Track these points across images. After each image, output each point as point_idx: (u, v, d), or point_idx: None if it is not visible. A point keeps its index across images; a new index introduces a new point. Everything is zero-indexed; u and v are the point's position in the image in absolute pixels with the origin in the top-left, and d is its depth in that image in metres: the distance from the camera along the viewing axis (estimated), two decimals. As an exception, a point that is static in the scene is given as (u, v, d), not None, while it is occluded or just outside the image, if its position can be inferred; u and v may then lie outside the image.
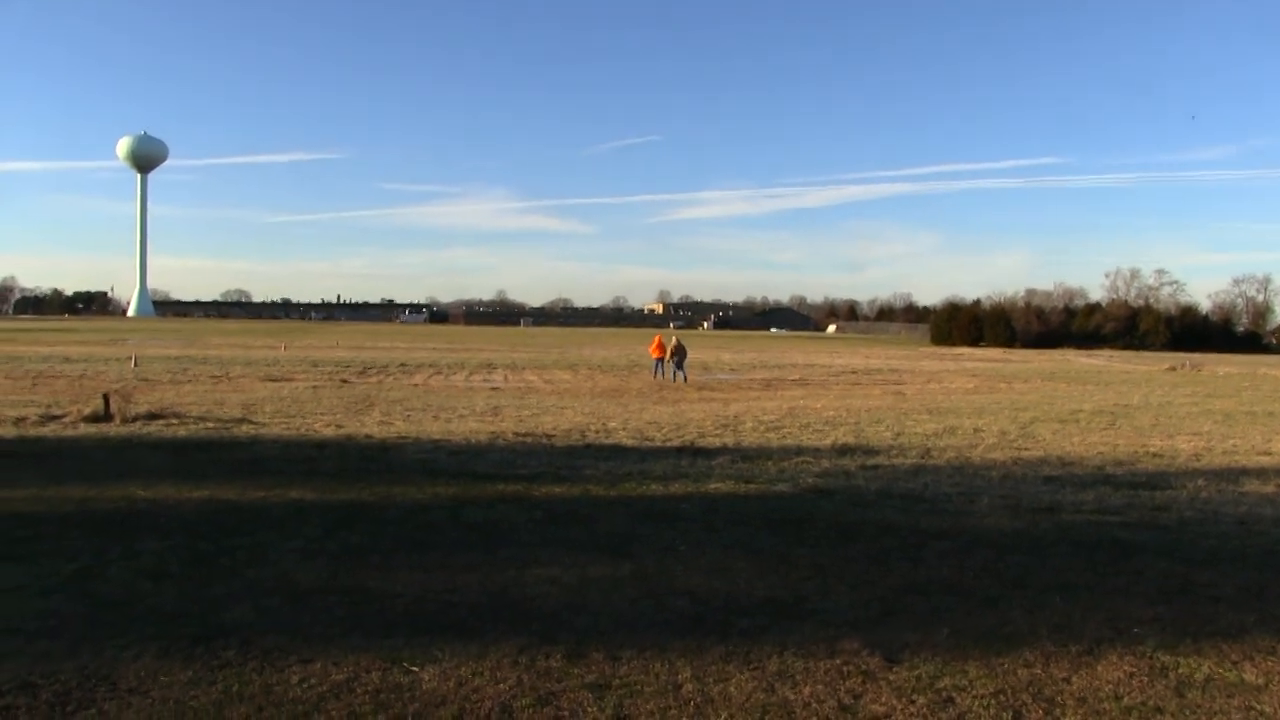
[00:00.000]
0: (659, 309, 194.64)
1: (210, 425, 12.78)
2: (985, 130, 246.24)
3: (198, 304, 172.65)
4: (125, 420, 12.71)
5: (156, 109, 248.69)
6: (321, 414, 14.78)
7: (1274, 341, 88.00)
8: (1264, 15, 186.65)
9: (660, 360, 26.81)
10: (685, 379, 25.54)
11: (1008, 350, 69.55)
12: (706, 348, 58.43)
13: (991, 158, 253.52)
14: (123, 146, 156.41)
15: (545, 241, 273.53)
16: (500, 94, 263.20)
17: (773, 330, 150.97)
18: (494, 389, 21.66)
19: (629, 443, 11.87)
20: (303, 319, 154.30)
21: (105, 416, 12.91)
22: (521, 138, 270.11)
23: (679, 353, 26.27)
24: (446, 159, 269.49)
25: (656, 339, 28.47)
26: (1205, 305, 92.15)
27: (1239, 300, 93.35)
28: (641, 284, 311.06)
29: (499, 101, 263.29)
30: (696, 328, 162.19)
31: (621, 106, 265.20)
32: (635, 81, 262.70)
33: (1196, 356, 58.92)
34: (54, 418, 13.05)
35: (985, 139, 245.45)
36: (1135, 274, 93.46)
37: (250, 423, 13.33)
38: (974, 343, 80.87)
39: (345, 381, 22.72)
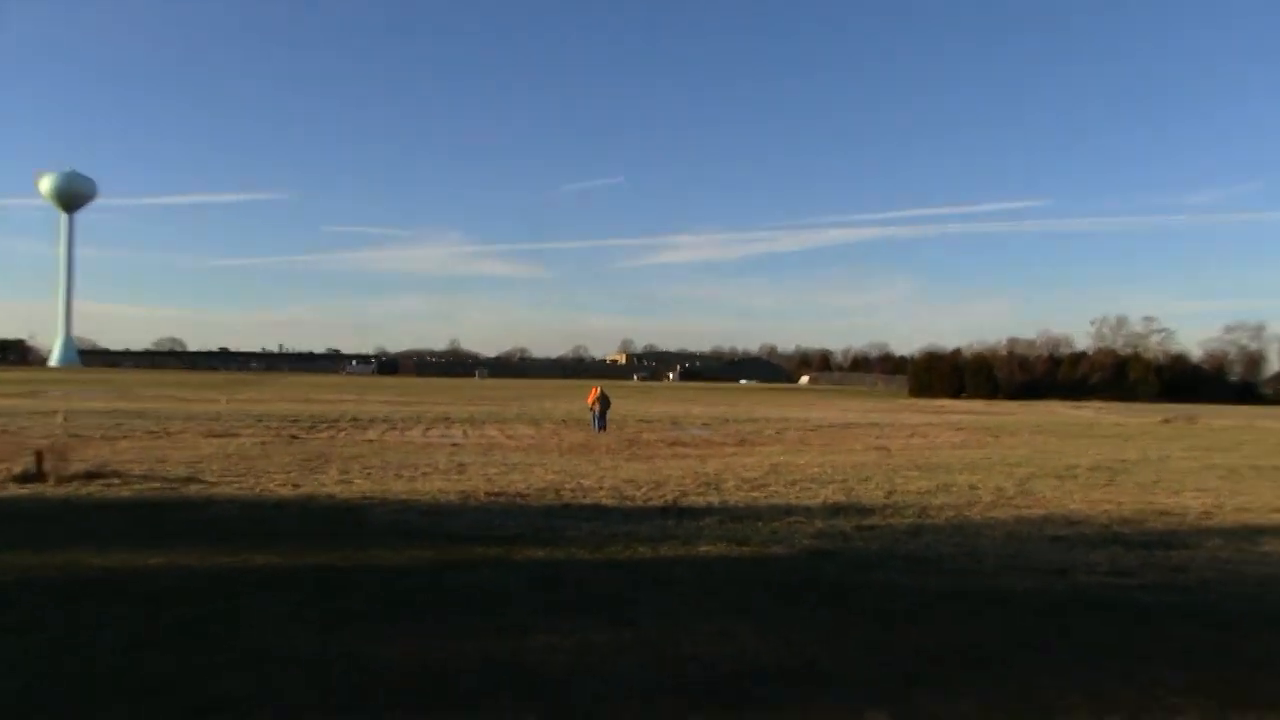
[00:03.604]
0: (621, 359, 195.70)
1: (156, 485, 12.56)
2: (964, 172, 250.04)
3: (128, 354, 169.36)
4: (61, 480, 12.39)
5: (83, 144, 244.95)
6: (274, 472, 14.62)
7: (1269, 391, 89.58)
8: (1257, 52, 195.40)
9: (593, 410, 28.43)
10: (603, 428, 27.10)
11: (990, 402, 70.91)
12: (674, 400, 58.77)
13: (971, 200, 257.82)
14: (46, 184, 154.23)
15: (501, 288, 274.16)
16: (454, 131, 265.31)
17: (743, 382, 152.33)
18: (455, 445, 21.59)
19: (609, 502, 11.89)
20: (242, 370, 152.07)
21: (38, 476, 12.58)
22: (476, 178, 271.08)
23: (604, 403, 27.94)
24: (396, 200, 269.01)
25: (592, 390, 29.51)
26: (1196, 354, 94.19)
27: (1231, 348, 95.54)
28: (603, 333, 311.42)
29: (452, 139, 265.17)
30: (661, 379, 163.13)
31: (583, 146, 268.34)
32: (598, 120, 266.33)
33: (1189, 408, 60.24)
34: (-21, 478, 12.69)
35: (964, 181, 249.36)
36: (1122, 321, 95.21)
37: (199, 482, 13.12)
38: (955, 394, 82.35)
39: (295, 437, 22.43)
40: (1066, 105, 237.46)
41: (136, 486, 12.38)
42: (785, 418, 39.08)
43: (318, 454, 18.01)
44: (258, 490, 12.46)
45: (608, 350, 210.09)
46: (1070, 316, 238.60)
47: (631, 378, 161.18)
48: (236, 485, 12.90)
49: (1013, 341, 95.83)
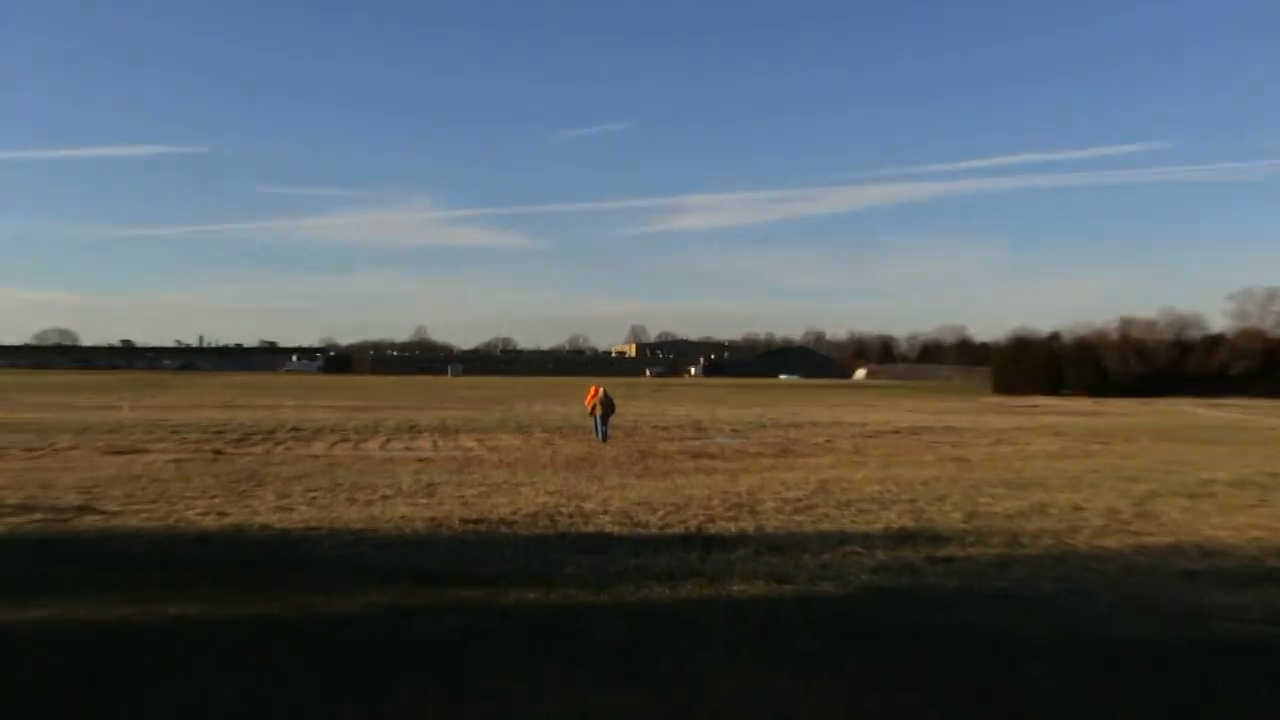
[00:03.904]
0: (631, 351, 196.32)
1: (39, 518, 12.66)
2: (1062, 111, 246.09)
3: (2, 350, 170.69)
4: (-80, 510, 12.46)
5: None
6: (194, 498, 14.76)
7: None
8: None
9: (594, 414, 28.66)
10: (605, 436, 27.66)
11: (1098, 400, 70.72)
12: (697, 401, 58.95)
13: (1071, 144, 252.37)
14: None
15: (480, 263, 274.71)
16: (420, 67, 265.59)
17: (783, 377, 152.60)
18: (422, 460, 21.79)
19: (616, 530, 12.06)
20: (152, 368, 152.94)
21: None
22: (450, 126, 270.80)
23: (606, 406, 28.30)
24: (347, 154, 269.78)
25: (592, 389, 29.82)
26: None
27: None
28: (608, 318, 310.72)
29: (418, 78, 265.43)
30: (681, 374, 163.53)
31: (584, 85, 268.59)
32: (598, 50, 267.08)
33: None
34: None
35: (1063, 122, 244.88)
36: (1273, 295, 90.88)
37: (96, 512, 13.23)
38: (1052, 389, 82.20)
39: (220, 453, 22.61)
40: (1196, 19, 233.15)
41: (12, 520, 12.46)
42: (837, 421, 39.19)
43: (249, 474, 18.18)
44: (172, 521, 12.55)
45: (614, 340, 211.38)
46: (1201, 290, 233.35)
47: (644, 374, 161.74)
48: (144, 515, 13.00)
49: (1126, 323, 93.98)
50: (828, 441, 28.65)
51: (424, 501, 14.68)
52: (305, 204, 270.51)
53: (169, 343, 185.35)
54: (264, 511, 13.43)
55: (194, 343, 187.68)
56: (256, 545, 10.82)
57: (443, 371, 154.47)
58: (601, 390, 29.04)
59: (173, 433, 28.32)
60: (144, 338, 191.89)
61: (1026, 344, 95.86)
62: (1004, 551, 10.88)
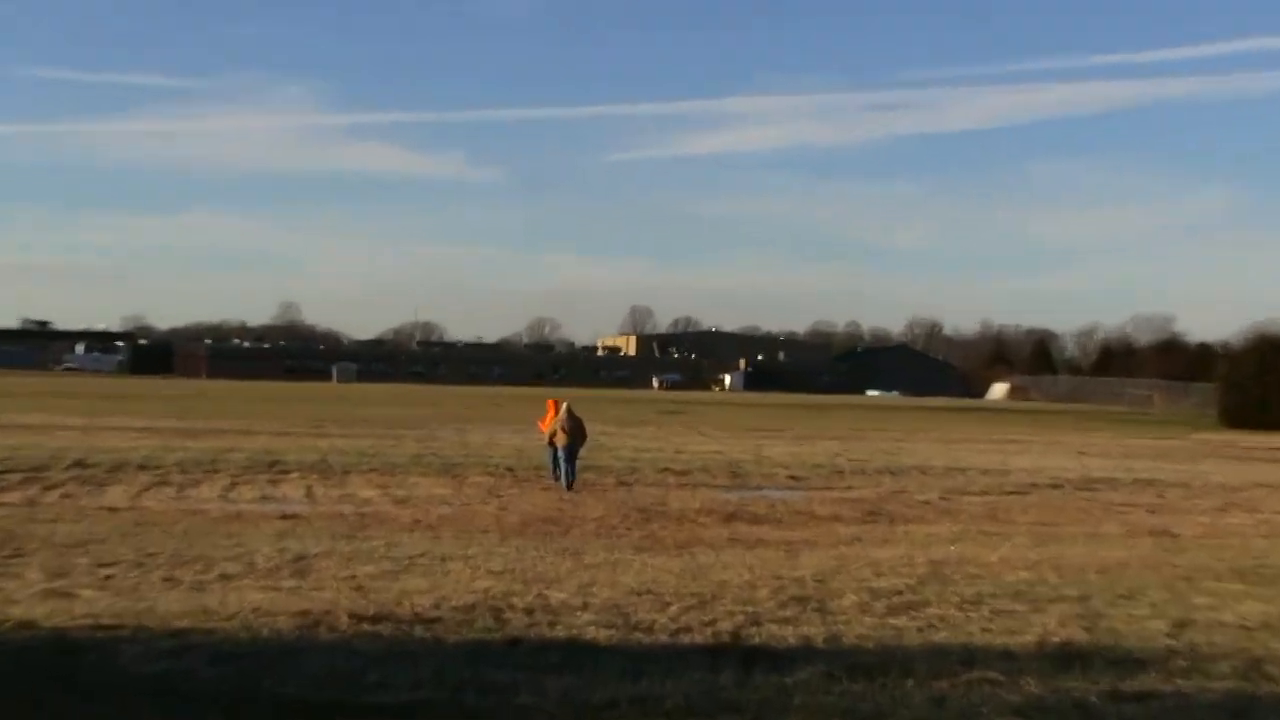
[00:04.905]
0: (628, 346, 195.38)
1: None
2: None
3: None
4: None
5: None
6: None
7: None
8: None
9: (553, 446, 29.01)
10: (570, 480, 27.90)
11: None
12: (732, 429, 59.37)
13: None
14: None
15: (387, 199, 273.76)
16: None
17: (873, 393, 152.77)
18: (289, 517, 21.83)
19: (601, 636, 12.12)
20: None
21: None
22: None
23: (573, 433, 28.29)
24: (174, 20, 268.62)
25: (550, 407, 30.02)
26: None
27: None
28: (592, 294, 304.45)
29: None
30: (709, 386, 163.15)
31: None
32: None
33: None
34: None
35: None
36: None
37: None
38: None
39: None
40: None
41: None
42: (961, 467, 39.02)
43: (1, 538, 18.07)
44: None
45: (600, 329, 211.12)
46: None
47: (649, 384, 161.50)
48: None
49: None
50: (944, 500, 28.45)
51: (291, 585, 14.62)
52: (101, 98, 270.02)
53: None
54: (24, 599, 13.27)
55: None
56: (7, 657, 10.68)
57: (325, 375, 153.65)
58: (564, 408, 29.02)
59: None
60: None
61: (1277, 347, 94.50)
62: (1237, 686, 10.72)
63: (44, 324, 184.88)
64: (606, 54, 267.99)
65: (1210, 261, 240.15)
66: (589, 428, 30.02)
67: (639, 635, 12.17)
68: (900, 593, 15.00)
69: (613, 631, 12.27)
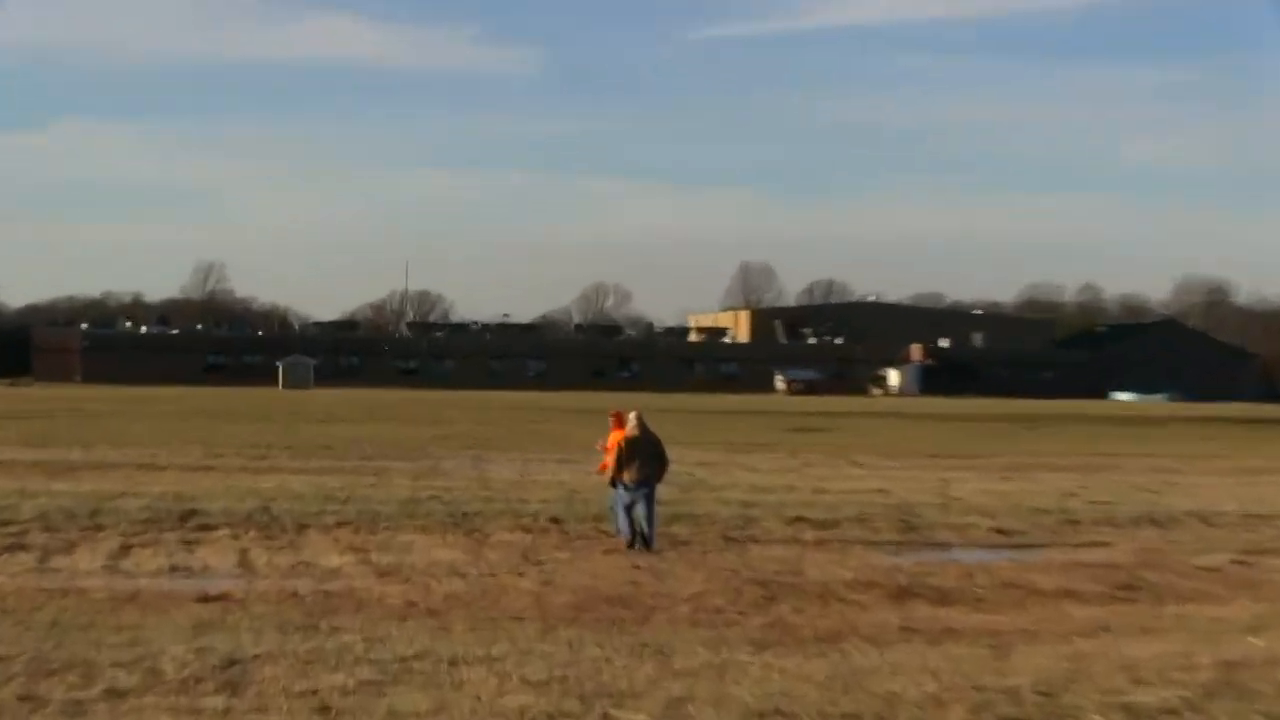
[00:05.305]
0: (735, 325, 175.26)
1: None
2: None
3: None
4: None
5: None
6: None
7: None
8: None
9: (618, 483, 24.06)
10: (649, 537, 23.35)
11: None
12: (901, 453, 54.96)
13: None
14: None
15: (359, 101, 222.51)
16: None
17: (1123, 396, 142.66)
18: (215, 597, 18.11)
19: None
20: None
21: None
22: None
23: (645, 459, 23.69)
24: None
25: (615, 424, 25.43)
26: None
27: None
28: (680, 243, 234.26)
29: None
30: (865, 388, 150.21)
31: None
32: None
33: None
34: None
35: None
36: None
37: None
38: None
39: None
40: None
41: None
42: (1266, 513, 33.85)
43: None
44: None
45: (691, 299, 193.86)
46: None
47: (771, 383, 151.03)
48: None
49: None
50: (1240, 564, 24.17)
51: (218, 705, 11.88)
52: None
53: None
54: None
55: None
56: None
57: (268, 376, 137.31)
58: (632, 421, 24.50)
59: None
60: None
61: None
62: None
63: None
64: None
65: None
66: (672, 453, 25.48)
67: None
68: (1174, 712, 12.39)
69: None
